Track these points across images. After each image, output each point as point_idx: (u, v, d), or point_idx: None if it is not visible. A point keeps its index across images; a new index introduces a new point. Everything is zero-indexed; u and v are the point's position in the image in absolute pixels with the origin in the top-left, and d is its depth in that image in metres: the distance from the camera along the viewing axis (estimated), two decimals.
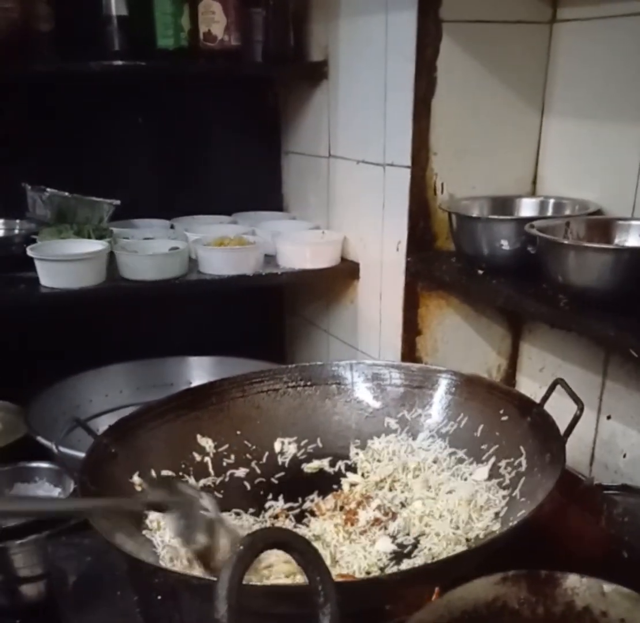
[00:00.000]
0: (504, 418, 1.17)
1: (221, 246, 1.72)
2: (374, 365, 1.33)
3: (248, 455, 1.26)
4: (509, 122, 1.52)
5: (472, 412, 1.22)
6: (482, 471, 1.15)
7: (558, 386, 1.12)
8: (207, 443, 1.24)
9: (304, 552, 0.70)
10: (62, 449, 1.14)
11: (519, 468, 1.10)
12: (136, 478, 1.11)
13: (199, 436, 1.23)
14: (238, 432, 1.27)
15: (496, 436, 1.17)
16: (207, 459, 1.22)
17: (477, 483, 1.13)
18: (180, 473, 1.17)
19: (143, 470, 1.12)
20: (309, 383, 1.33)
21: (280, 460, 1.27)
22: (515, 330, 1.66)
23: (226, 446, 1.25)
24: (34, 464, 1.60)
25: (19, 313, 1.70)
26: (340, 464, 1.26)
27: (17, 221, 1.82)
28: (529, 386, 1.65)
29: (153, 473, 1.13)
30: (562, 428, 1.05)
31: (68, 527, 1.37)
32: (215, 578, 0.69)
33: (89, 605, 1.16)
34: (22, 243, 1.68)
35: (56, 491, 1.57)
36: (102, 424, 1.85)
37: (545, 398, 1.13)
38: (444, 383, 1.27)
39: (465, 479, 1.16)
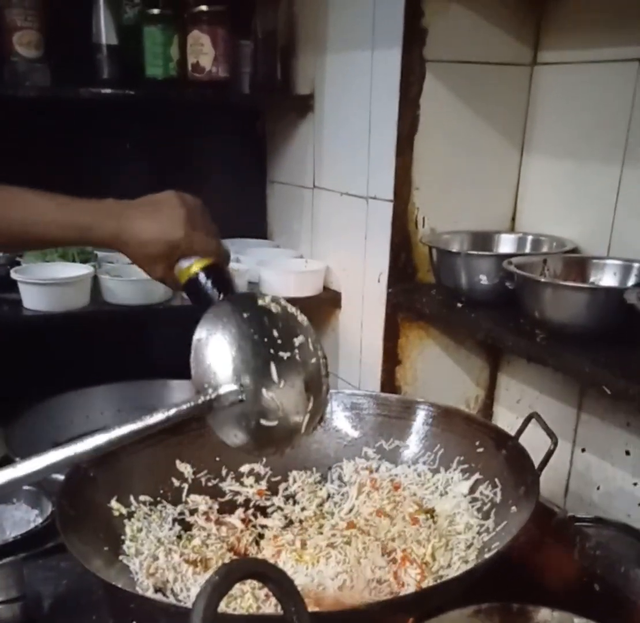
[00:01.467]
0: (480, 450, 1.18)
1: None
2: (353, 395, 1.34)
3: (225, 482, 1.27)
4: (490, 159, 1.56)
5: (448, 443, 1.23)
6: (465, 485, 1.17)
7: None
8: (185, 468, 1.24)
9: (279, 583, 0.71)
10: None
11: (494, 500, 1.12)
12: (114, 503, 1.11)
13: (178, 462, 1.23)
14: (217, 458, 1.27)
15: (472, 467, 1.18)
16: (185, 485, 1.22)
17: (458, 505, 1.15)
18: (158, 498, 1.17)
19: (121, 495, 1.12)
20: None
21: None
22: (494, 362, 1.69)
23: (205, 472, 1.26)
24: None
25: (1, 333, 1.70)
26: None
27: None
28: (506, 417, 1.67)
29: (131, 499, 1.14)
30: (538, 460, 1.08)
31: (44, 550, 1.36)
32: (191, 607, 0.70)
33: None
34: (6, 265, 1.69)
35: (33, 513, 1.55)
36: None
37: (520, 431, 1.15)
38: (421, 414, 1.28)
39: (446, 494, 1.18)
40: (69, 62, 1.66)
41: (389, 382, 1.64)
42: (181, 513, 1.18)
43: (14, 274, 1.60)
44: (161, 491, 1.19)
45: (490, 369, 1.69)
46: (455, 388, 1.68)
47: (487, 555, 1.00)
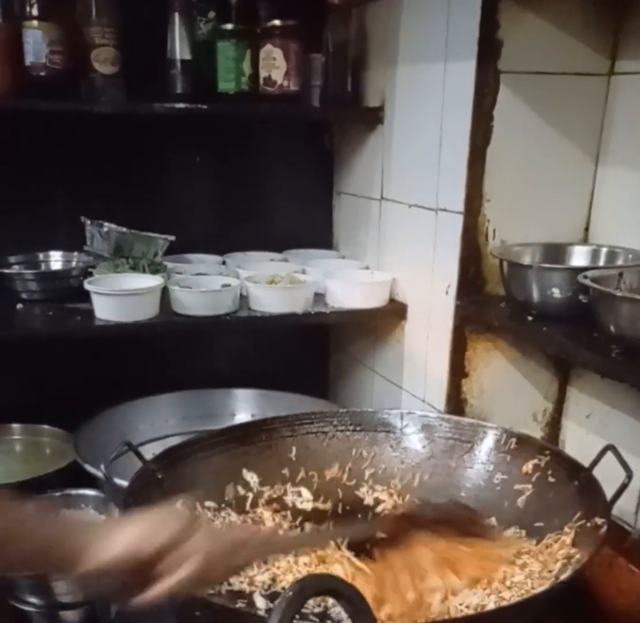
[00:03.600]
0: (552, 479, 1.18)
1: (272, 284, 1.74)
2: (424, 416, 1.34)
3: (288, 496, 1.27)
4: (563, 171, 1.53)
5: (519, 470, 1.23)
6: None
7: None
8: (251, 478, 1.25)
9: (352, 600, 0.71)
10: (109, 472, 1.16)
11: (561, 531, 1.10)
12: (179, 506, 1.12)
13: (244, 471, 1.25)
14: (284, 471, 1.28)
15: (541, 497, 1.17)
16: (249, 494, 1.23)
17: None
18: (223, 505, 1.19)
19: (187, 498, 1.13)
20: (358, 428, 1.34)
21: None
22: (563, 375, 1.65)
23: (270, 483, 1.27)
24: (80, 491, 1.62)
25: (73, 342, 1.74)
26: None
27: (75, 253, 1.87)
28: (575, 432, 1.64)
29: (197, 504, 1.15)
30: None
31: None
32: (264, 615, 0.70)
33: None
34: (79, 276, 1.73)
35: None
36: (147, 452, 1.86)
37: (594, 463, 1.13)
38: (493, 439, 1.27)
39: None
40: (143, 78, 1.69)
41: (454, 395, 1.62)
42: (244, 522, 1.19)
43: (87, 285, 1.64)
44: (226, 499, 1.20)
45: (559, 382, 1.66)
46: (522, 401, 1.65)
47: (553, 583, 0.99)
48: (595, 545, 0.98)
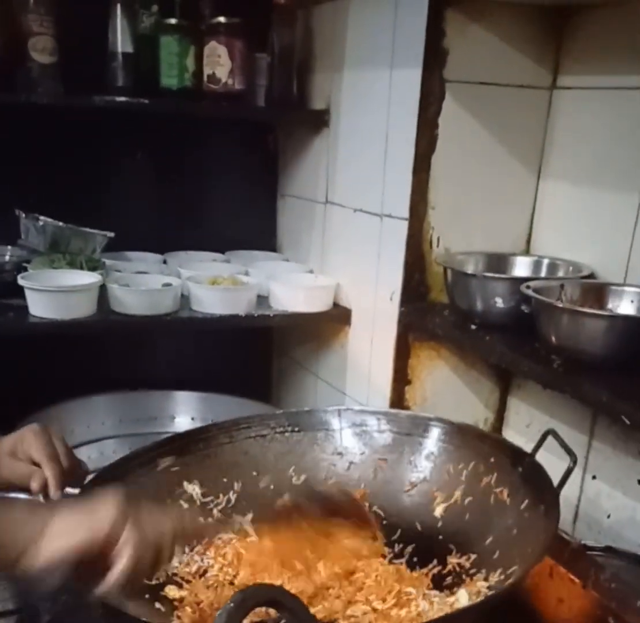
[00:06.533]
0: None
1: (214, 284, 1.72)
2: (362, 412, 1.32)
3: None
4: (506, 182, 1.55)
5: (462, 461, 1.21)
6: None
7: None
8: (194, 490, 1.22)
9: (295, 611, 0.69)
10: None
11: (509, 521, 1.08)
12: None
13: (185, 483, 1.22)
14: (225, 479, 1.25)
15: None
16: (194, 507, 1.19)
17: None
18: None
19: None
20: (296, 429, 1.31)
21: None
22: (504, 385, 1.67)
23: (213, 493, 1.24)
24: (13, 494, 1.56)
25: (6, 339, 1.68)
26: None
27: (9, 247, 1.80)
28: (516, 441, 1.61)
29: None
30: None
31: None
32: None
33: None
34: (13, 270, 1.67)
35: None
36: (82, 455, 1.83)
37: (536, 448, 1.12)
38: (433, 431, 1.26)
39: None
40: (83, 70, 1.65)
41: (397, 402, 1.62)
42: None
43: (20, 281, 1.58)
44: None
45: (500, 392, 1.68)
46: (464, 409, 1.66)
47: (507, 581, 0.97)
48: (549, 531, 0.95)
